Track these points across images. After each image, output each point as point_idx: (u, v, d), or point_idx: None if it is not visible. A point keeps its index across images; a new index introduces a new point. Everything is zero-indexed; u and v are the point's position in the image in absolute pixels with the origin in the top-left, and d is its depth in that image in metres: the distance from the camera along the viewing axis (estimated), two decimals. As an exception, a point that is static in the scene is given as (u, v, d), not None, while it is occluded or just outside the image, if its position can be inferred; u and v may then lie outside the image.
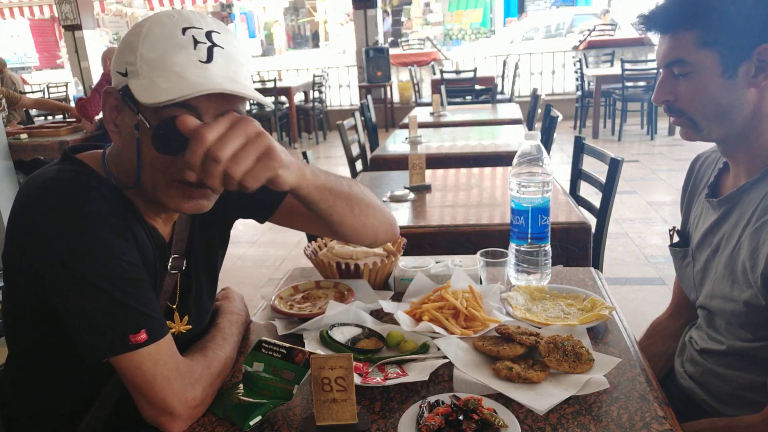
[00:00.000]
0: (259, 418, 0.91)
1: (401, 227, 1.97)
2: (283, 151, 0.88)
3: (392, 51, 10.15)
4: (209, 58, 0.88)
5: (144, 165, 0.91)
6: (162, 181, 0.92)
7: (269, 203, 1.23)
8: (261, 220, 1.26)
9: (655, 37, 1.16)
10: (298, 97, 9.12)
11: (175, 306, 1.08)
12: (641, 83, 7.29)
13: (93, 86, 6.35)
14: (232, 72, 0.89)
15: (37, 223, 0.88)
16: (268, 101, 0.94)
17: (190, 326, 1.11)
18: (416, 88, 9.02)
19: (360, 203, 1.09)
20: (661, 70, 1.16)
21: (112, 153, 1.00)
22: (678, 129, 1.19)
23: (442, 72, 7.89)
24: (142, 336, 0.89)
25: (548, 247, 1.36)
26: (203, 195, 0.94)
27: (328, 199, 1.00)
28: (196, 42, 0.88)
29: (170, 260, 1.06)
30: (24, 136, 4.68)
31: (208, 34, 0.89)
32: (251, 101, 0.97)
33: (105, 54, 4.98)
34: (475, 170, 2.79)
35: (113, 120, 0.93)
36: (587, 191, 2.55)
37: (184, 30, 0.88)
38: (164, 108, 0.85)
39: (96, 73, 8.40)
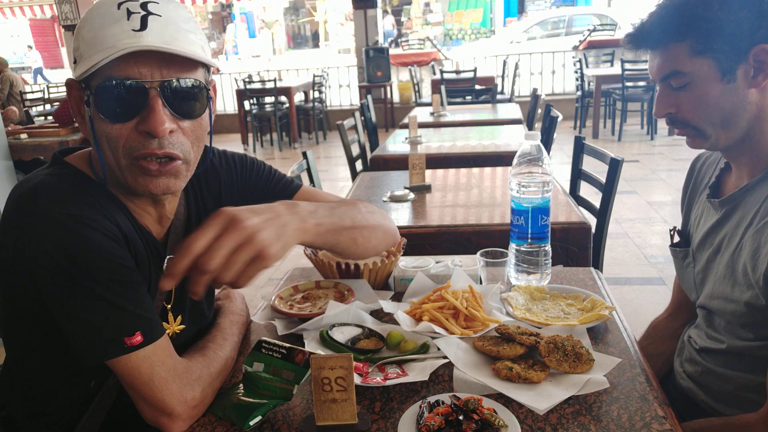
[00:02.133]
0: (259, 418, 0.91)
1: (401, 227, 1.98)
2: (280, 225, 0.88)
3: (392, 51, 10.15)
4: (143, 26, 0.87)
5: (103, 148, 0.92)
6: (124, 162, 0.91)
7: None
8: None
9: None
10: (298, 97, 9.12)
11: (170, 306, 1.08)
12: (641, 83, 7.29)
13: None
14: (169, 36, 0.88)
15: (27, 229, 0.88)
16: (214, 62, 0.94)
17: (183, 326, 1.11)
18: (416, 88, 9.02)
19: (363, 231, 1.09)
20: (657, 84, 1.15)
21: (93, 152, 0.99)
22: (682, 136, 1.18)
23: (442, 72, 7.89)
24: (138, 338, 0.89)
25: (548, 247, 1.36)
26: (170, 172, 0.93)
27: (331, 240, 1.01)
28: (129, 13, 0.88)
29: (165, 261, 1.05)
30: (24, 136, 4.68)
31: (144, 5, 0.89)
32: (208, 68, 0.97)
33: None
34: (475, 170, 2.79)
35: (79, 112, 0.94)
36: (587, 191, 2.55)
37: (119, 5, 0.88)
38: (108, 81, 0.87)
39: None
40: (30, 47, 19.57)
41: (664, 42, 1.10)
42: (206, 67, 0.96)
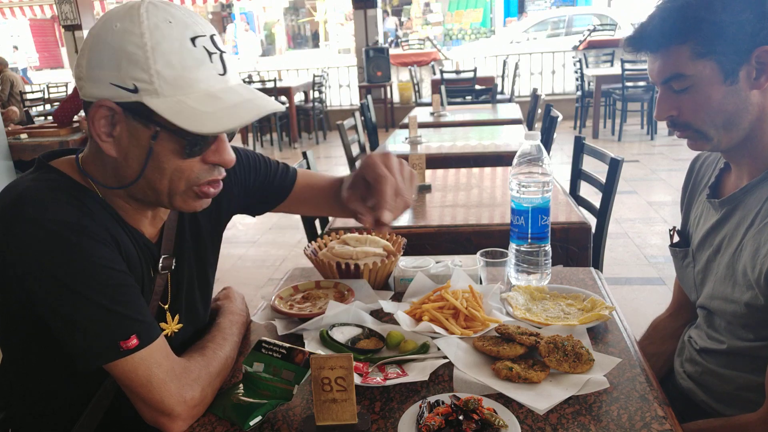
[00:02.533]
0: (259, 418, 0.91)
1: (401, 227, 1.98)
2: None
3: (392, 51, 10.15)
4: (224, 69, 0.90)
5: (160, 174, 0.92)
6: (182, 187, 0.94)
7: (276, 198, 1.31)
8: (256, 214, 1.32)
9: None
10: (298, 97, 9.12)
11: (167, 306, 1.08)
12: (641, 83, 7.28)
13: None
14: (239, 76, 0.93)
15: (17, 237, 0.87)
16: (280, 107, 0.97)
17: (180, 325, 1.11)
18: (416, 88, 9.01)
19: None
20: (657, 87, 1.15)
21: (91, 158, 0.98)
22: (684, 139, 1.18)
23: (442, 72, 7.89)
24: (133, 341, 0.89)
25: (548, 247, 1.36)
26: (213, 194, 0.98)
27: None
28: (209, 53, 0.89)
29: (160, 261, 1.05)
30: (24, 136, 4.68)
31: (212, 40, 0.90)
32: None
33: None
34: (475, 170, 2.79)
35: (106, 132, 0.90)
36: (587, 191, 2.55)
37: (193, 40, 0.87)
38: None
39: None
40: (16, 47, 19.51)
41: (665, 45, 1.09)
42: None
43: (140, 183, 0.93)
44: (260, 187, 1.28)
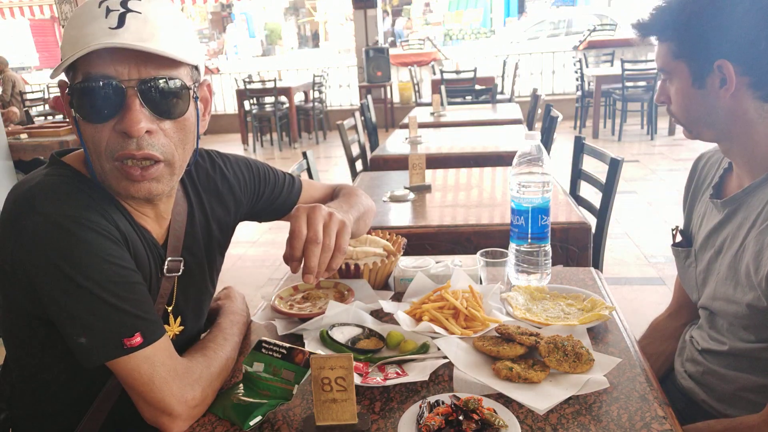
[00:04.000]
0: (259, 418, 0.91)
1: (401, 227, 1.98)
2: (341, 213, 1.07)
3: (392, 51, 10.15)
4: (120, 23, 0.86)
5: (89, 150, 0.92)
6: (107, 166, 0.91)
7: (282, 208, 1.35)
8: (262, 221, 1.36)
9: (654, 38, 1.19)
10: (298, 97, 9.12)
11: (170, 309, 1.08)
12: (641, 83, 7.29)
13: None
14: (147, 33, 0.86)
15: (26, 231, 0.87)
16: (198, 61, 0.94)
17: (182, 327, 1.11)
18: (416, 88, 9.02)
19: (364, 216, 1.33)
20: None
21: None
22: (681, 129, 1.24)
23: (442, 72, 7.88)
24: (137, 339, 0.89)
25: (548, 247, 1.36)
26: (151, 176, 0.92)
27: (355, 228, 1.22)
28: (108, 11, 0.87)
29: (166, 263, 1.05)
30: (24, 136, 4.68)
31: (124, 3, 0.88)
32: (193, 68, 0.96)
33: None
34: (475, 170, 2.79)
35: (70, 114, 0.92)
36: (587, 191, 2.55)
37: (100, 3, 0.88)
38: (86, 80, 0.86)
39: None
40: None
41: (658, 38, 1.17)
42: (194, 66, 0.95)
43: (95, 168, 0.94)
44: (268, 197, 1.31)
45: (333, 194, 1.42)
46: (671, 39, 1.13)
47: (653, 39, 1.18)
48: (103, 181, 0.94)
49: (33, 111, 7.95)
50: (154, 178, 0.93)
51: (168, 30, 0.89)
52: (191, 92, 0.94)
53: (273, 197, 1.32)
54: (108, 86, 0.86)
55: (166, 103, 0.90)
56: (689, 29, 1.09)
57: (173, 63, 0.90)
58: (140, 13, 0.87)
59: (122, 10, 0.87)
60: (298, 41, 27.28)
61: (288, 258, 1.01)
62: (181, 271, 1.07)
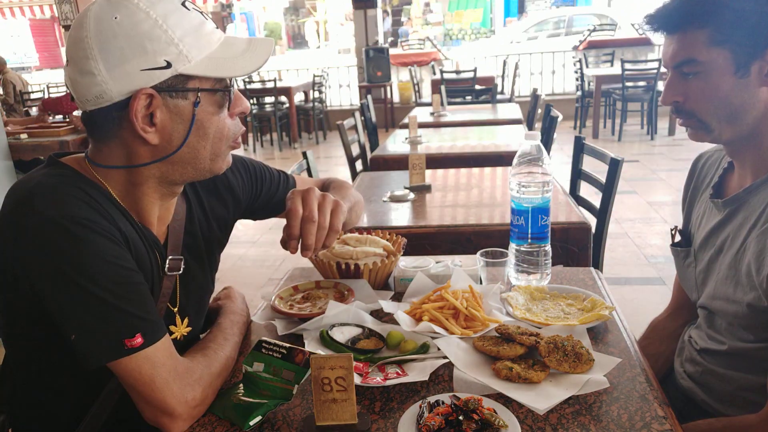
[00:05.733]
0: (259, 418, 0.91)
1: (401, 227, 1.98)
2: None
3: (392, 51, 10.15)
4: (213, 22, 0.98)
5: (204, 140, 0.97)
6: (223, 148, 1.01)
7: (277, 206, 1.36)
8: (258, 219, 1.38)
9: (655, 37, 1.15)
10: (298, 97, 9.11)
11: (176, 309, 1.08)
12: (641, 83, 7.29)
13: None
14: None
15: (26, 231, 0.87)
16: (271, 41, 1.04)
17: (189, 328, 1.11)
18: (416, 88, 9.01)
19: (355, 207, 1.38)
20: (668, 71, 1.14)
21: (101, 154, 0.97)
22: (682, 129, 1.17)
23: (442, 72, 7.89)
24: (138, 340, 0.89)
25: (548, 247, 1.36)
26: (239, 145, 1.05)
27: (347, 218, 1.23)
28: (201, 12, 0.97)
29: (167, 261, 1.05)
30: (24, 136, 4.68)
31: (186, 3, 0.95)
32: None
33: None
34: (475, 170, 2.79)
35: (148, 122, 0.92)
36: (587, 191, 2.55)
37: (183, 4, 0.93)
38: (226, 85, 0.97)
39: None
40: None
41: (683, 27, 1.08)
42: None
43: (178, 156, 0.96)
44: (266, 195, 1.34)
45: (323, 186, 1.46)
46: (710, 24, 1.04)
47: (661, 34, 1.12)
48: (197, 169, 1.00)
49: (33, 111, 7.95)
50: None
51: None
52: None
53: (270, 195, 1.34)
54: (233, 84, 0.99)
55: None
56: (740, 10, 1.01)
57: None
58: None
59: (198, 9, 0.98)
60: (287, 44, 27.27)
61: (287, 238, 1.05)
62: (181, 269, 1.07)
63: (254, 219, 1.38)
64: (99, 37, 0.87)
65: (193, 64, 0.91)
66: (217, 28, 0.99)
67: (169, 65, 0.89)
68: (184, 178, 1.00)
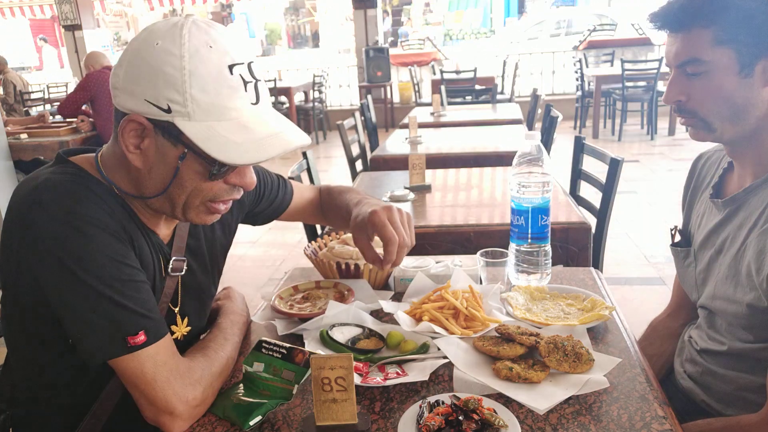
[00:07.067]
0: (259, 418, 0.91)
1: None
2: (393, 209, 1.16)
3: (392, 51, 10.14)
4: (257, 98, 0.91)
5: (181, 191, 0.93)
6: (197, 203, 0.95)
7: (275, 211, 1.38)
8: (256, 225, 1.39)
9: (655, 37, 1.15)
10: (298, 97, 9.11)
11: (177, 309, 1.08)
12: (641, 83, 7.29)
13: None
14: (271, 104, 0.94)
15: (32, 228, 0.87)
16: (307, 140, 0.98)
17: (189, 328, 1.12)
18: (416, 88, 9.01)
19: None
20: (671, 70, 1.14)
21: (114, 161, 0.98)
22: (682, 129, 1.18)
23: (442, 72, 7.88)
24: (141, 337, 0.89)
25: (548, 247, 1.36)
26: (223, 210, 0.99)
27: None
28: (245, 82, 0.89)
29: (171, 262, 1.06)
30: (24, 136, 4.68)
31: (250, 68, 0.90)
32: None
33: (86, 61, 4.99)
34: (475, 170, 2.79)
35: (134, 144, 0.91)
36: (587, 191, 2.55)
37: (230, 68, 0.87)
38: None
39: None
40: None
41: (688, 26, 1.07)
42: None
43: (160, 197, 0.95)
44: (267, 198, 1.34)
45: (320, 193, 1.46)
46: (715, 23, 1.03)
47: (665, 32, 1.11)
48: (167, 207, 0.97)
49: (33, 111, 7.95)
50: (225, 210, 1.00)
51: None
52: None
53: (271, 198, 1.35)
54: None
55: None
56: (745, 9, 1.01)
57: None
58: (261, 80, 0.92)
59: (253, 80, 0.90)
60: (287, 44, 27.19)
61: (385, 264, 1.12)
62: (184, 270, 1.08)
63: (254, 224, 1.38)
64: (136, 52, 0.88)
65: (191, 123, 0.87)
66: (256, 103, 0.91)
67: (168, 110, 0.86)
68: (162, 211, 0.99)
